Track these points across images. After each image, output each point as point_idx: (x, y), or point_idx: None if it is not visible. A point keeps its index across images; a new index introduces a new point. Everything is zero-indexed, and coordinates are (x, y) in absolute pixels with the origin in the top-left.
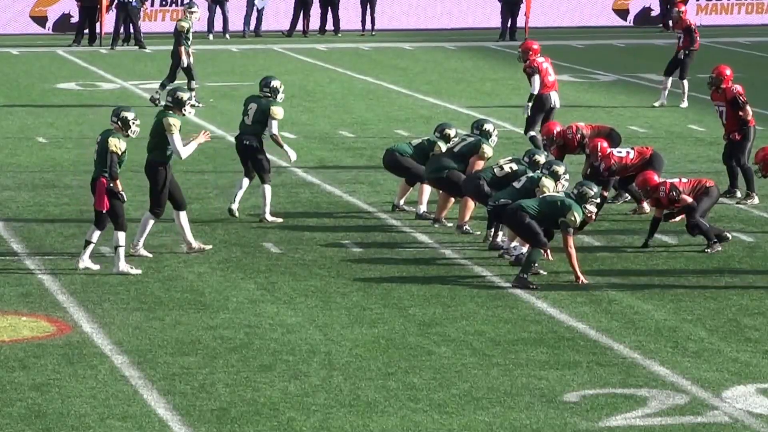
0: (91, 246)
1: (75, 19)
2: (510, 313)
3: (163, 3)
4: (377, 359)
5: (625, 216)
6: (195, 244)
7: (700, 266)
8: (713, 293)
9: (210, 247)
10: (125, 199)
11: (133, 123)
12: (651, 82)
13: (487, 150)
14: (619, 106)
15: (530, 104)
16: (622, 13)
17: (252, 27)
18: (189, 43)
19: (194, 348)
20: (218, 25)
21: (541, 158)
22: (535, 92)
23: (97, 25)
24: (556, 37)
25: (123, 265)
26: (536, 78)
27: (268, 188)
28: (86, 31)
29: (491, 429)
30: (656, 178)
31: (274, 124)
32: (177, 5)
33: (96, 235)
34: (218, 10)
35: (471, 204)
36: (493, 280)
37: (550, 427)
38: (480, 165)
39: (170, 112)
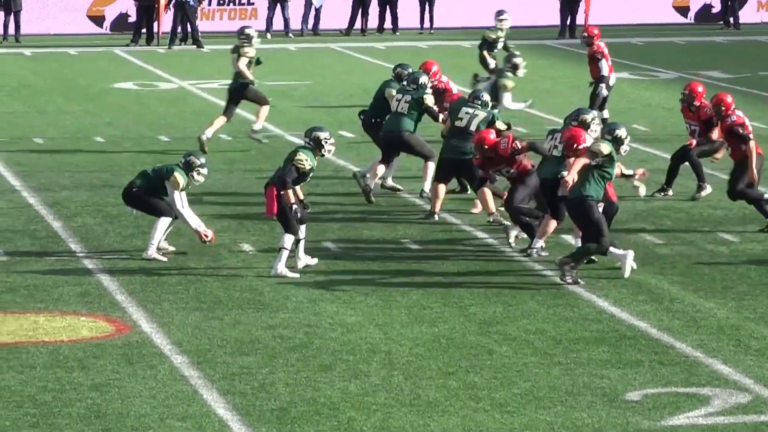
0: (285, 252)
1: (132, 18)
2: (571, 312)
3: (221, 2)
4: (437, 358)
5: (687, 214)
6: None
7: (762, 264)
8: None
9: (165, 260)
10: (294, 211)
11: (326, 142)
12: (712, 80)
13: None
14: (679, 104)
15: (603, 85)
16: (683, 10)
17: (310, 26)
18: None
19: (254, 347)
20: (277, 24)
21: (621, 132)
22: (606, 74)
23: (155, 24)
24: (616, 35)
25: (281, 267)
26: (604, 62)
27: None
28: (144, 30)
29: (553, 428)
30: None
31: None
32: (235, 4)
33: (287, 240)
34: (278, 10)
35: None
36: (554, 278)
37: (612, 427)
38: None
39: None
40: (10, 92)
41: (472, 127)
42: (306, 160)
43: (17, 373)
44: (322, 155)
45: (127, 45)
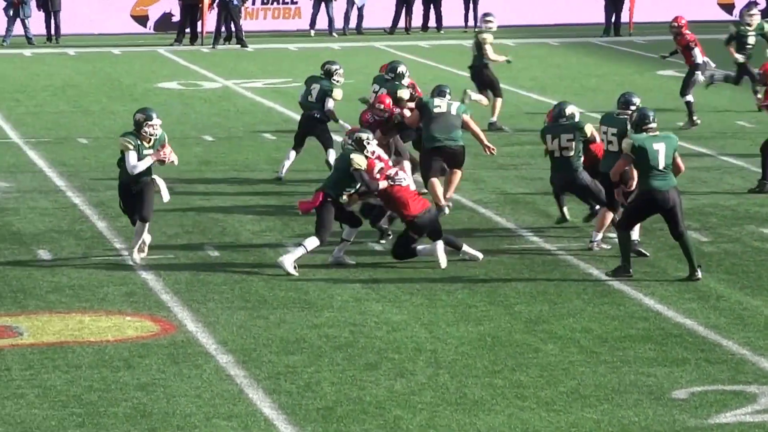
0: (302, 250)
1: (176, 18)
2: (617, 310)
3: (265, 1)
4: (483, 357)
5: (733, 212)
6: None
7: None
8: None
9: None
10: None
11: (368, 143)
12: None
13: None
14: (725, 102)
15: (699, 72)
16: (728, 7)
17: (353, 24)
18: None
19: (299, 347)
20: (321, 23)
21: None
22: (700, 61)
23: (199, 23)
24: (661, 32)
25: (288, 260)
26: (697, 49)
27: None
28: (187, 30)
29: (599, 427)
30: None
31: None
32: (278, 3)
33: (311, 242)
34: (323, 8)
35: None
36: (599, 277)
37: (658, 425)
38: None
39: None
40: (54, 92)
41: (453, 112)
42: (362, 161)
43: (63, 373)
44: (366, 156)
45: (171, 44)
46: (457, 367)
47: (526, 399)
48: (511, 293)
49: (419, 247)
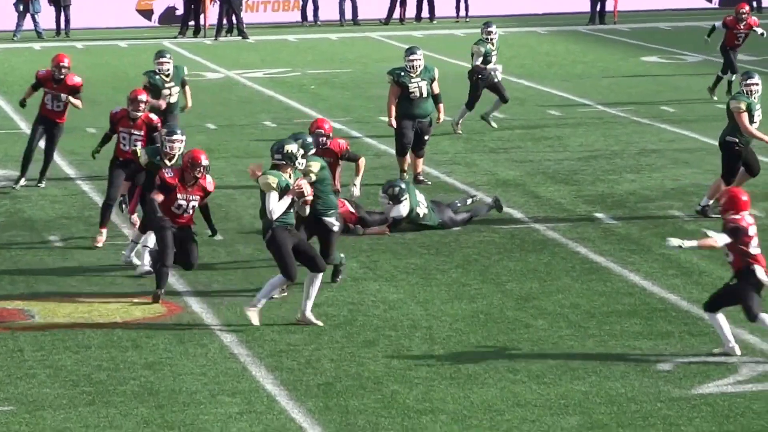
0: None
1: (180, 11)
2: (604, 287)
3: None
4: (476, 333)
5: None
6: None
7: None
8: None
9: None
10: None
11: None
12: (737, 62)
13: None
14: (706, 85)
15: None
16: None
17: (348, 16)
18: None
19: (300, 326)
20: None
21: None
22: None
23: (201, 17)
24: (644, 20)
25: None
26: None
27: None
28: (191, 23)
29: (587, 398)
30: None
31: None
32: None
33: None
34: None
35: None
36: (587, 255)
37: (644, 395)
38: None
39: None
40: None
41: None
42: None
43: (73, 353)
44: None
45: (175, 37)
46: (452, 343)
47: (517, 372)
48: (502, 272)
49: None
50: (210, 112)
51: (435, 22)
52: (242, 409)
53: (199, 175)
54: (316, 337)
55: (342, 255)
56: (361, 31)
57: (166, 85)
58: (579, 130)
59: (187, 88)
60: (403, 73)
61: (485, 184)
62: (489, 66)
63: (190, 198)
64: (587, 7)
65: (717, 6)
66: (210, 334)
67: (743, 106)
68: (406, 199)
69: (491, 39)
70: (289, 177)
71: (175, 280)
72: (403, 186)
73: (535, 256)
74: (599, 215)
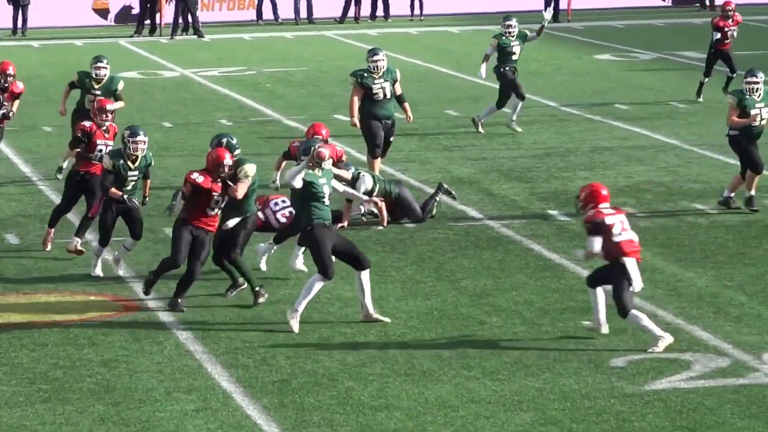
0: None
1: (136, 10)
2: (558, 284)
3: None
4: (431, 330)
5: (667, 188)
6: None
7: (739, 234)
8: (753, 260)
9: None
10: None
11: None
12: (689, 59)
13: None
14: (659, 83)
15: None
16: None
17: (303, 14)
18: None
19: (255, 323)
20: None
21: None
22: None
23: (157, 16)
24: (598, 18)
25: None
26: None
27: None
28: (147, 22)
29: (541, 394)
30: None
31: None
32: None
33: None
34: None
35: None
36: (540, 252)
37: (598, 392)
38: None
39: None
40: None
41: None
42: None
43: (30, 351)
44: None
45: (131, 36)
46: (406, 340)
47: (471, 369)
48: (457, 269)
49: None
50: (166, 110)
51: (390, 20)
52: (198, 406)
53: (223, 175)
54: (272, 334)
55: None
56: (316, 30)
57: (93, 90)
58: (533, 127)
59: (120, 103)
60: (366, 75)
61: (440, 181)
62: (530, 35)
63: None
64: (541, 5)
65: (670, 4)
66: (166, 331)
67: (732, 101)
68: (360, 173)
69: (510, 33)
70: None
71: (130, 277)
72: (353, 167)
73: (489, 253)
74: (553, 212)
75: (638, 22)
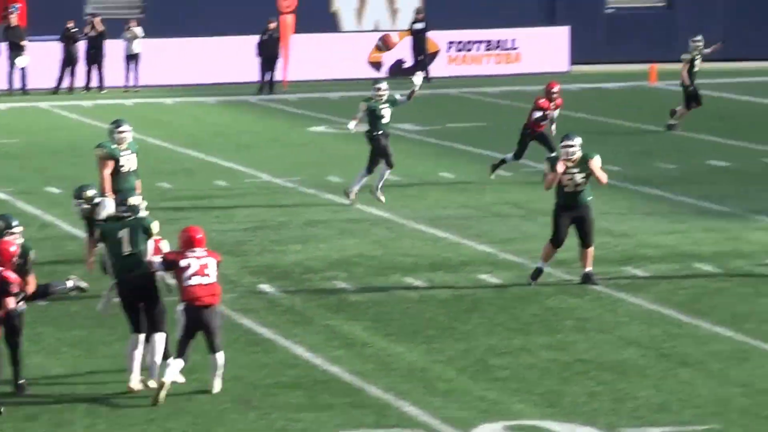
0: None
1: None
2: (268, 358)
3: None
4: (140, 406)
5: (379, 261)
6: None
7: (450, 308)
8: (463, 334)
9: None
10: None
11: None
12: (406, 132)
13: None
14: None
15: None
16: (377, 65)
17: (18, 85)
18: None
19: None
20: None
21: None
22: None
23: None
24: (314, 90)
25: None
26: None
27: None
28: None
29: None
30: None
31: None
32: None
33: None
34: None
35: None
36: (251, 327)
37: None
38: None
39: None
40: None
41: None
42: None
43: None
44: None
45: None
46: (114, 416)
47: None
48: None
49: None
50: None
51: (105, 91)
52: None
53: None
54: None
55: None
56: (29, 101)
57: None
58: (246, 200)
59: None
60: (114, 146)
61: None
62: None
63: None
64: (257, 77)
65: (387, 75)
66: None
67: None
68: (102, 199)
69: (380, 96)
70: None
71: None
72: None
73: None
74: (264, 286)
75: (355, 93)
